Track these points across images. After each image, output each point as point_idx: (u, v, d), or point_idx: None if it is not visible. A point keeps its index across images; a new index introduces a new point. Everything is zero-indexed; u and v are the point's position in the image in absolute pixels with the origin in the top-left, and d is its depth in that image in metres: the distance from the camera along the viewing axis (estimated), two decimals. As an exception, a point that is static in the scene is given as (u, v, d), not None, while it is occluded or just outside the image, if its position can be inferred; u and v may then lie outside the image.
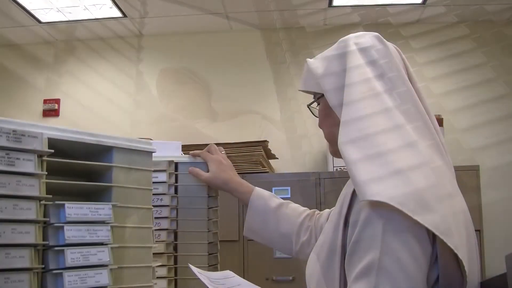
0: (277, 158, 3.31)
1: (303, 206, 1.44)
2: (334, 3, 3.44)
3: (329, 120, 1.12)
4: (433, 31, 3.69)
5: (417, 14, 3.60)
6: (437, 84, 3.54)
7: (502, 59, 3.64)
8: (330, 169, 3.12)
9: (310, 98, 1.21)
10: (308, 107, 1.23)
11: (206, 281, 1.12)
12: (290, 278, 2.77)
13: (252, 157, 2.97)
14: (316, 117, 1.20)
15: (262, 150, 2.97)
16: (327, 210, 1.36)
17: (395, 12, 3.56)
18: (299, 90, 1.20)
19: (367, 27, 1.19)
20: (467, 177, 2.68)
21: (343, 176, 2.89)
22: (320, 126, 1.18)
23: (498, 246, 2.45)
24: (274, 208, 1.37)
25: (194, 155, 1.42)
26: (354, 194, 0.97)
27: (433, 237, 0.88)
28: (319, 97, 1.16)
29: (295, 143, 3.62)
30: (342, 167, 3.08)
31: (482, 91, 3.61)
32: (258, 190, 1.41)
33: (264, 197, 1.39)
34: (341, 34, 1.14)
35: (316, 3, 3.43)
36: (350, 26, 3.62)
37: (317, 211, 1.40)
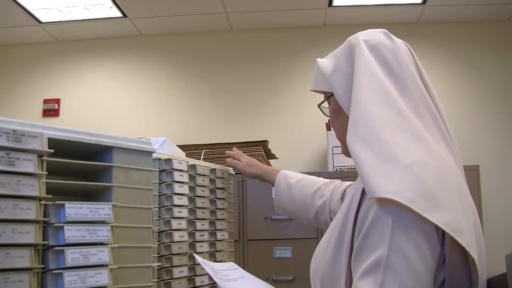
0: (277, 158, 3.31)
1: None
2: (334, 3, 3.44)
3: (340, 119, 1.11)
4: (433, 31, 3.69)
5: (417, 14, 3.60)
6: (437, 84, 3.53)
7: (502, 59, 3.64)
8: (330, 169, 3.12)
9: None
10: (318, 106, 1.22)
11: (210, 271, 1.12)
12: (290, 278, 2.77)
13: (252, 157, 2.96)
14: (327, 116, 1.20)
15: (262, 150, 2.96)
16: (347, 183, 1.40)
17: (395, 12, 3.56)
18: (310, 90, 1.19)
19: (367, 27, 1.18)
20: (467, 177, 2.67)
21: (343, 176, 2.88)
22: (331, 125, 1.19)
23: (498, 246, 2.44)
24: (293, 183, 1.48)
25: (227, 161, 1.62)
26: (364, 190, 0.95)
27: (442, 237, 0.87)
28: (329, 96, 1.15)
29: (295, 143, 3.62)
30: (342, 167, 3.08)
31: (482, 91, 3.62)
32: (284, 171, 1.54)
33: (287, 175, 1.52)
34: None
35: (316, 3, 3.44)
36: (350, 26, 3.62)
37: (338, 181, 1.46)
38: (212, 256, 1.45)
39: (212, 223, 1.48)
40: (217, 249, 1.47)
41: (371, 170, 0.89)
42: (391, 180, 0.86)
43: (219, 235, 1.49)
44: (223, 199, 1.54)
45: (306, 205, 1.44)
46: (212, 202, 1.50)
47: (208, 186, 1.47)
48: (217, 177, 1.52)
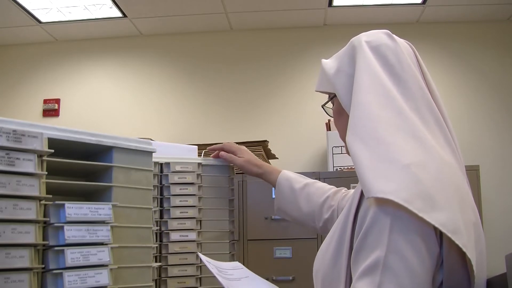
0: (277, 158, 3.31)
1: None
2: (334, 3, 3.44)
3: (342, 120, 1.12)
4: (433, 31, 3.69)
5: (417, 14, 3.60)
6: (437, 84, 3.51)
7: (502, 59, 3.64)
8: (330, 169, 3.12)
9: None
10: (322, 107, 1.23)
11: (214, 271, 1.12)
12: (290, 278, 2.77)
13: (252, 157, 2.97)
14: (331, 117, 1.21)
15: (262, 150, 2.96)
16: (353, 190, 1.36)
17: (395, 12, 3.56)
18: (315, 91, 1.19)
19: (367, 27, 1.19)
20: (467, 177, 2.68)
21: (343, 176, 2.89)
22: (335, 126, 1.19)
23: (498, 246, 2.44)
24: (298, 189, 1.43)
25: (213, 149, 1.51)
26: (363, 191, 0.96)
27: (440, 238, 0.87)
28: (332, 97, 1.16)
29: (295, 143, 3.62)
30: (342, 167, 3.08)
31: (482, 91, 3.62)
32: (286, 172, 1.48)
33: (290, 178, 1.46)
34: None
35: (316, 3, 3.44)
36: (350, 26, 3.62)
37: (344, 189, 1.43)
38: (164, 258, 1.34)
39: (163, 223, 1.38)
40: (171, 252, 1.35)
41: (368, 170, 0.89)
42: (388, 180, 0.86)
43: (174, 236, 1.37)
44: (187, 195, 1.40)
45: (314, 214, 1.41)
46: (166, 199, 1.39)
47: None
48: (174, 172, 1.40)
